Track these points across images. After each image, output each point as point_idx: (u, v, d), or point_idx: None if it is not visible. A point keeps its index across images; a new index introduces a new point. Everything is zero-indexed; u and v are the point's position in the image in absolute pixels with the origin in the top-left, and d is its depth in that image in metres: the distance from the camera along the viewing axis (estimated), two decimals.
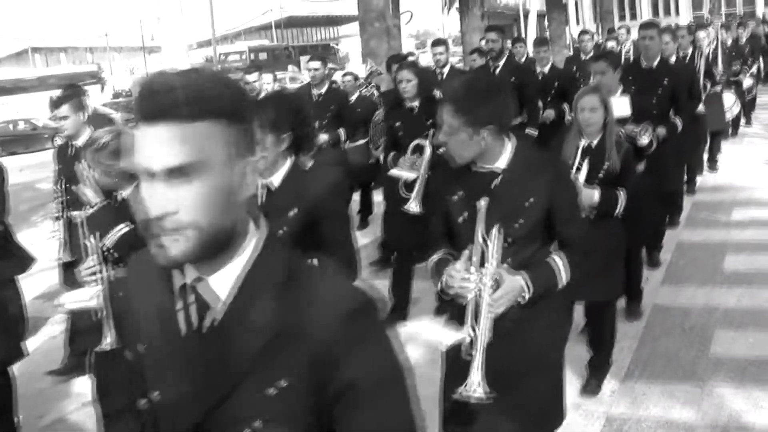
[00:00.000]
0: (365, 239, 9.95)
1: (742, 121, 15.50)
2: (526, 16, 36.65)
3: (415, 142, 6.66)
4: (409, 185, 6.50)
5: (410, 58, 10.36)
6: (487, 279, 3.24)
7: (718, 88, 11.52)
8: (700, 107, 10.08)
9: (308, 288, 1.61)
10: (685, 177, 10.76)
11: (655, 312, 6.94)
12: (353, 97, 10.03)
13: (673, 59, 9.06)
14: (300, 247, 3.68)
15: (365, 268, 8.61)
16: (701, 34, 11.60)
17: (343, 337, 1.55)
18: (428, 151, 6.59)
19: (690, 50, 11.15)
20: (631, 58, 11.59)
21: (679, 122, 7.57)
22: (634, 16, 57.11)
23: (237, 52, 59.23)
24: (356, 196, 10.51)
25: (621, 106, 6.23)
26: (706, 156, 12.34)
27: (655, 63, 7.78)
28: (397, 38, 22.16)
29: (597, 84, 5.92)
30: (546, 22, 33.77)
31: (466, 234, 3.40)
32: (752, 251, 8.35)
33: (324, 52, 65.89)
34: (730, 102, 12.28)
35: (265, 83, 9.83)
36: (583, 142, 5.26)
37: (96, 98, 47.13)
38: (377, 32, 19.69)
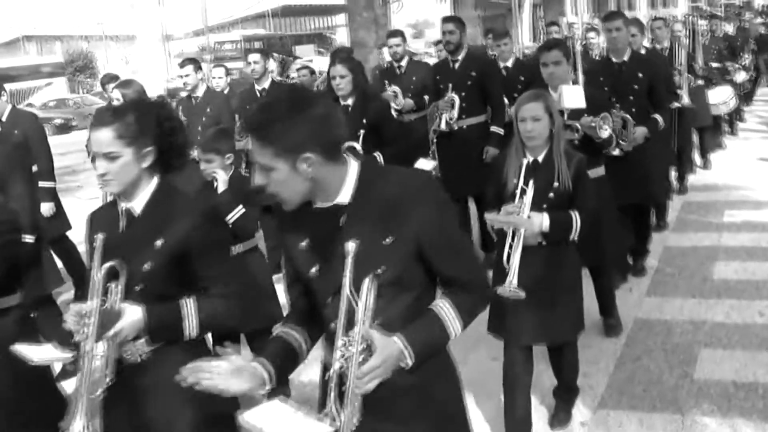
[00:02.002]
0: None
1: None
2: (520, 5, 36.10)
3: (345, 144, 6.16)
4: None
5: (384, 50, 9.56)
6: (354, 346, 2.46)
7: (701, 81, 10.91)
8: (686, 100, 9.56)
9: None
10: (676, 175, 10.33)
11: (637, 327, 6.42)
12: None
13: (642, 52, 8.46)
14: (171, 286, 3.07)
15: None
16: (678, 26, 10.98)
17: None
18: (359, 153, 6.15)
19: (667, 43, 10.47)
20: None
21: (659, 119, 6.96)
22: (631, 6, 56.21)
23: (231, 41, 58.69)
24: None
25: (574, 96, 5.55)
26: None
27: (626, 57, 7.10)
28: (385, 28, 21.65)
29: (539, 91, 4.98)
30: (541, 12, 33.23)
31: (320, 290, 2.66)
32: (744, 258, 7.84)
33: (319, 42, 65.54)
34: (727, 95, 11.77)
35: (216, 77, 9.12)
36: (526, 159, 4.53)
37: (59, 91, 46.43)
38: (365, 22, 19.33)
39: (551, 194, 4.45)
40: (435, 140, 7.84)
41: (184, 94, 9.05)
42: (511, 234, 4.35)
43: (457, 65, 7.83)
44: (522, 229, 4.31)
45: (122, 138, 2.98)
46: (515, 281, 4.24)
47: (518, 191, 4.40)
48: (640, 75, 6.92)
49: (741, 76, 13.33)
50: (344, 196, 2.57)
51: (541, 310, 4.41)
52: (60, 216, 7.71)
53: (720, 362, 5.69)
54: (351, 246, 2.49)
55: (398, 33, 9.13)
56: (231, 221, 5.00)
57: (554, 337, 4.62)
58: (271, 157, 2.44)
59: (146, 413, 3.05)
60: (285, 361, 2.72)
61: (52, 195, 7.71)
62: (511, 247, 4.31)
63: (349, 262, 2.49)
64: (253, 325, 4.95)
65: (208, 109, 8.14)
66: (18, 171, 5.34)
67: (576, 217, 4.43)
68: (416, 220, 2.52)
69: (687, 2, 53.97)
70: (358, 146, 6.20)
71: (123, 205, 3.12)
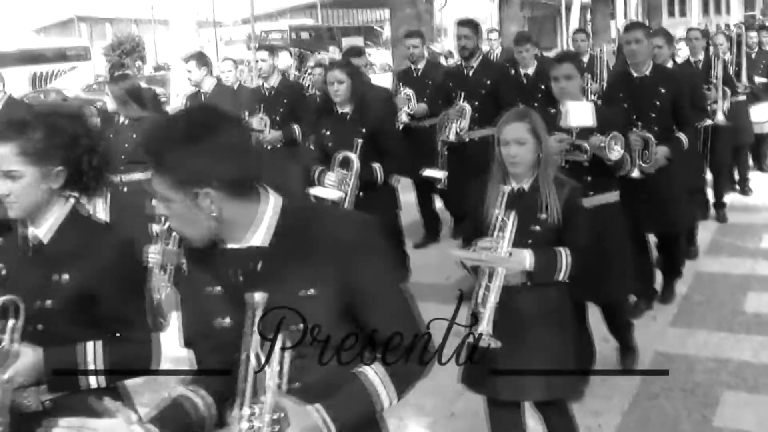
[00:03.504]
0: None
1: None
2: (568, 8, 35.47)
3: (342, 154, 5.92)
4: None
5: (412, 48, 8.91)
6: (264, 417, 2.08)
7: (741, 97, 10.23)
8: (720, 117, 9.02)
9: None
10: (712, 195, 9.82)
11: (657, 361, 5.95)
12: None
13: (669, 64, 7.93)
14: (77, 327, 2.54)
15: None
16: (720, 38, 10.39)
17: None
18: (356, 165, 5.85)
19: (702, 56, 9.80)
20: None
21: (683, 138, 6.41)
22: (683, 13, 55.21)
23: (278, 30, 58.67)
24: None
25: (581, 113, 5.04)
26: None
27: (648, 70, 6.50)
28: (428, 24, 21.26)
29: (524, 109, 4.43)
30: (589, 15, 32.63)
31: (229, 346, 2.21)
32: None
33: (368, 35, 65.40)
34: None
35: (225, 71, 8.72)
36: (508, 188, 3.97)
37: (85, 75, 46.29)
38: (408, 18, 18.92)
39: (536, 227, 3.91)
40: (445, 151, 7.46)
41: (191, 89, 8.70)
42: (487, 273, 3.84)
43: (470, 72, 7.41)
44: (499, 268, 3.80)
45: (25, 155, 2.60)
46: (490, 328, 3.74)
47: (498, 223, 3.87)
48: (663, 90, 6.36)
49: None
50: (259, 238, 2.19)
51: (523, 361, 3.86)
52: None
53: (743, 407, 5.23)
54: (258, 297, 2.11)
55: (417, 33, 8.72)
56: None
57: (540, 394, 4.03)
58: (167, 187, 2.09)
59: None
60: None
61: None
62: (487, 288, 3.79)
63: (257, 315, 2.11)
64: None
65: None
66: None
67: (565, 254, 3.88)
68: (346, 270, 2.15)
69: (741, 10, 52.92)
70: (354, 156, 5.88)
71: (30, 231, 2.73)
